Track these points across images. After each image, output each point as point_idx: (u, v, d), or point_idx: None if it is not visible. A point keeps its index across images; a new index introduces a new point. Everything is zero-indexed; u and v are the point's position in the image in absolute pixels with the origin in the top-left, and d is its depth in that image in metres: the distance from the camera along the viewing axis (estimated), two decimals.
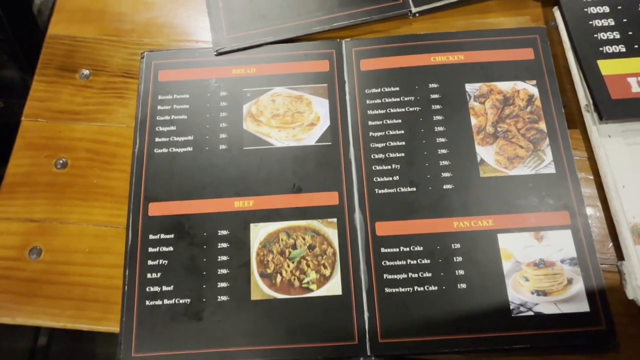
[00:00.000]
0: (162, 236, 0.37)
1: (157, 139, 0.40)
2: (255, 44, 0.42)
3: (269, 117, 0.40)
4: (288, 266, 0.35)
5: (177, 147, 0.39)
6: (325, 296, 0.34)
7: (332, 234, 0.36)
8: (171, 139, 0.40)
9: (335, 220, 0.36)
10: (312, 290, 0.35)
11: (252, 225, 0.37)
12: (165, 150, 0.39)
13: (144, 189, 0.38)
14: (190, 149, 0.39)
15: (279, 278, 0.35)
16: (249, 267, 0.36)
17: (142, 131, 0.40)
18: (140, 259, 0.36)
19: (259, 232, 0.36)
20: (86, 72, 0.42)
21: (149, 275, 0.35)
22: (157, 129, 0.40)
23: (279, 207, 0.37)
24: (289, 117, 0.40)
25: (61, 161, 0.39)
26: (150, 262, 0.36)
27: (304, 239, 0.36)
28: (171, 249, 0.36)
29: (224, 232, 0.37)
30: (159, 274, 0.35)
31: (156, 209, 0.37)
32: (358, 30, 0.43)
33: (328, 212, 0.37)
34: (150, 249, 0.36)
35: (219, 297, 0.35)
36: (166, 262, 0.36)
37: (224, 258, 0.36)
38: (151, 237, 0.37)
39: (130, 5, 0.44)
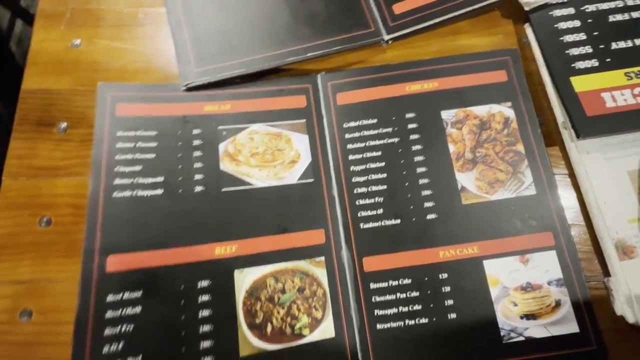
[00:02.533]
0: (127, 295, 0.32)
1: (117, 181, 0.36)
2: (227, 76, 0.40)
3: (248, 156, 0.39)
4: (278, 313, 0.34)
5: (143, 190, 0.36)
6: (319, 340, 0.34)
7: (321, 273, 0.36)
8: (135, 180, 0.36)
9: (323, 259, 0.36)
10: (304, 336, 0.34)
11: (236, 272, 0.35)
12: (128, 193, 0.36)
13: (100, 239, 0.34)
14: (160, 191, 0.36)
15: (269, 327, 0.33)
16: (236, 319, 0.33)
17: (97, 172, 0.36)
18: (93, 331, 0.31)
19: (244, 279, 0.35)
20: (64, 125, 0.42)
21: (105, 350, 0.31)
22: (116, 169, 0.36)
23: (265, 250, 0.36)
24: (269, 155, 0.39)
25: (45, 219, 0.39)
26: (108, 332, 0.31)
27: (292, 281, 0.35)
28: (138, 310, 0.32)
29: (205, 283, 0.34)
30: (120, 345, 0.31)
31: (117, 262, 0.33)
32: (333, 61, 0.43)
33: (315, 251, 0.36)
34: (109, 314, 0.31)
35: (202, 359, 0.32)
36: (131, 327, 0.32)
37: (206, 313, 0.33)
38: (110, 298, 0.32)
39: (103, 53, 0.44)
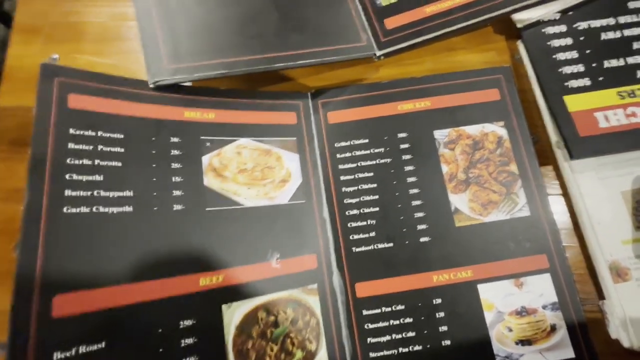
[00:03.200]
0: (83, 349, 0.25)
1: (68, 192, 0.28)
2: (206, 77, 0.36)
3: (235, 172, 0.35)
4: (272, 350, 0.31)
5: (106, 206, 0.29)
6: None
7: (314, 301, 0.34)
8: (96, 193, 0.29)
9: (315, 286, 0.34)
10: None
11: (224, 307, 0.30)
12: (84, 209, 0.28)
13: (41, 271, 0.25)
14: (129, 208, 0.30)
15: None
16: None
17: (38, 179, 0.28)
18: None
19: (233, 315, 0.31)
20: None
21: None
22: (67, 176, 0.29)
23: (255, 279, 0.32)
24: (259, 172, 0.37)
25: None
26: None
27: (285, 313, 0.32)
28: None
29: (188, 322, 0.29)
30: None
31: (69, 303, 0.25)
32: (323, 78, 0.42)
33: (307, 278, 0.34)
34: None
35: None
36: None
37: None
38: (59, 356, 0.24)
39: (82, 67, 0.42)
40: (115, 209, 0.30)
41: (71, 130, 0.31)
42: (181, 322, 0.29)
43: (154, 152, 0.33)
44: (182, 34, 0.38)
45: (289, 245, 0.35)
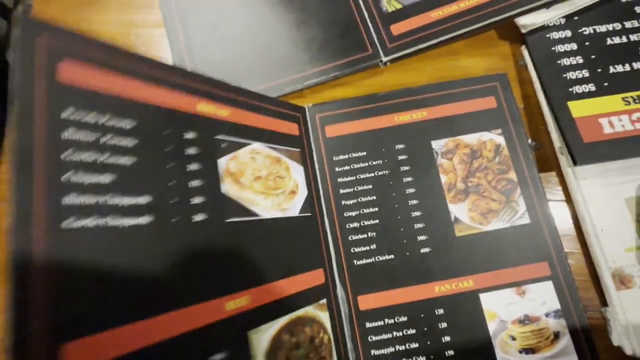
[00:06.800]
0: None
1: (66, 200, 0.20)
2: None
3: (251, 179, 0.32)
4: None
5: (119, 217, 0.22)
6: None
7: (325, 317, 0.33)
8: (105, 200, 0.21)
9: (325, 301, 0.34)
10: None
11: (251, 333, 0.26)
12: (90, 222, 0.21)
13: (47, 316, 0.18)
14: (147, 219, 0.23)
15: None
16: None
17: (25, 183, 0.19)
18: None
19: (260, 341, 0.26)
20: None
21: None
22: (62, 179, 0.20)
23: (275, 298, 0.29)
24: (272, 181, 0.33)
25: None
26: None
27: (304, 332, 0.30)
28: None
29: (218, 358, 0.24)
30: None
31: (85, 350, 0.19)
32: (325, 85, 0.42)
33: (318, 293, 0.34)
34: None
35: None
36: None
37: None
38: None
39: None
40: (129, 221, 0.22)
41: (62, 115, 0.21)
42: (210, 359, 0.24)
43: (168, 148, 0.26)
44: (207, 70, 0.41)
45: (301, 259, 0.34)
